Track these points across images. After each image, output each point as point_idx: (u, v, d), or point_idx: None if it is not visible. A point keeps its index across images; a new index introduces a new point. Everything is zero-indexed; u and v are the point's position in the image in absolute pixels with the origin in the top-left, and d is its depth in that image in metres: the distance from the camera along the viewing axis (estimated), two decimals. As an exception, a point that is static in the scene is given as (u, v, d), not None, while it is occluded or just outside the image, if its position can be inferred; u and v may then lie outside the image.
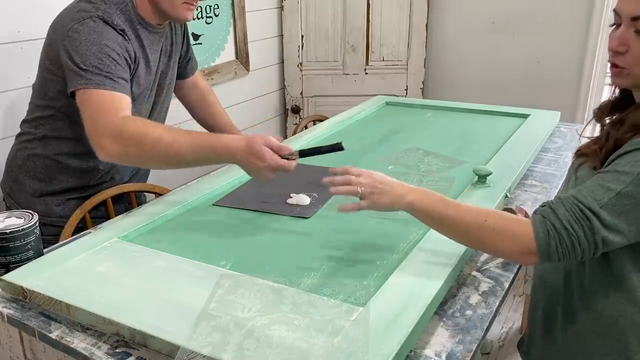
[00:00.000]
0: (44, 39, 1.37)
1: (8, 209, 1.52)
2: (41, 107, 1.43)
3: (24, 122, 1.49)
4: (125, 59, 1.31)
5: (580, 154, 1.05)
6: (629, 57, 0.91)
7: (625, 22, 0.91)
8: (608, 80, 2.50)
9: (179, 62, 1.65)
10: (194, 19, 2.33)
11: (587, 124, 1.13)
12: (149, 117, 1.52)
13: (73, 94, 1.28)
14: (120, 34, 1.30)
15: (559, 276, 1.07)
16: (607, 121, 1.05)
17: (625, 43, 0.91)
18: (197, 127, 1.85)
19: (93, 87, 1.25)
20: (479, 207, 0.99)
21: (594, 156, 0.99)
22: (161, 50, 1.49)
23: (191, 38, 1.72)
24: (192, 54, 1.72)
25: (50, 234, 1.41)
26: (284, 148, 1.21)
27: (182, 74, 1.72)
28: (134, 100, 1.37)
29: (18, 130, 1.51)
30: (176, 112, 1.84)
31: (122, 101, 1.28)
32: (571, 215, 0.88)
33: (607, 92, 1.10)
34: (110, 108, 1.25)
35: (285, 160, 1.20)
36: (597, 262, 0.98)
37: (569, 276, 1.05)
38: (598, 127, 1.08)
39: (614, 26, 0.95)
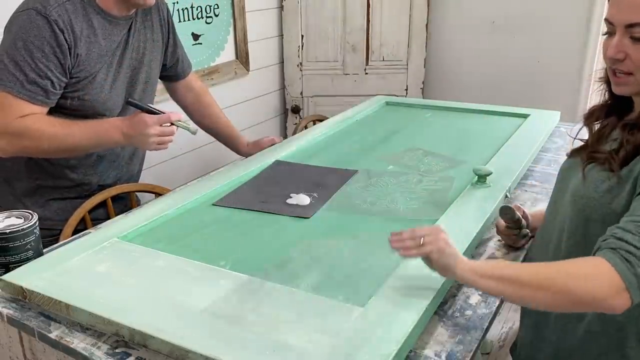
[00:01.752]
0: None
1: None
2: None
3: None
4: (55, 55, 1.30)
5: (590, 156, 1.00)
6: (629, 63, 0.91)
7: (619, 30, 0.91)
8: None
9: (165, 64, 1.64)
10: (194, 19, 2.35)
11: (581, 128, 1.11)
12: (121, 110, 1.49)
13: None
14: (51, 26, 1.29)
15: None
16: (597, 125, 1.06)
17: (622, 50, 0.91)
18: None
19: (1, 88, 1.28)
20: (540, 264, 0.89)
21: (609, 160, 0.95)
22: (127, 44, 1.47)
23: (179, 39, 1.69)
24: (181, 56, 1.70)
25: None
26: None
27: (173, 76, 1.71)
28: (85, 85, 1.38)
29: None
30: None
31: (24, 108, 1.30)
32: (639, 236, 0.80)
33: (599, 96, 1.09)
34: (7, 112, 1.29)
35: (167, 127, 1.37)
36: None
37: None
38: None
39: (607, 35, 0.95)
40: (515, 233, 1.18)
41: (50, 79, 1.31)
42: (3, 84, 1.28)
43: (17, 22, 1.30)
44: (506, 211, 1.15)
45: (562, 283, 0.81)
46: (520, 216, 1.17)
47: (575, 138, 1.13)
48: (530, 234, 1.20)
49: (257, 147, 1.78)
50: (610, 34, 0.94)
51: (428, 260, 0.93)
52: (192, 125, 1.43)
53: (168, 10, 1.61)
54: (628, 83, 0.93)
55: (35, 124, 1.31)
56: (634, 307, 0.85)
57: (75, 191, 1.51)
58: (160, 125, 1.35)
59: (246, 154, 1.78)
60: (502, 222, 1.19)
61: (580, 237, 0.99)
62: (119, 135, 1.35)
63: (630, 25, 0.89)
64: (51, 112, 1.35)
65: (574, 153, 1.08)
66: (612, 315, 0.89)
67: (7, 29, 1.32)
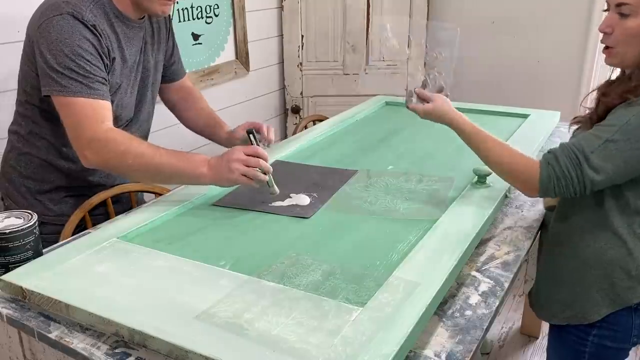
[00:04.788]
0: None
1: (7, 209, 1.52)
2: (22, 102, 1.43)
3: (13, 121, 1.49)
4: (100, 56, 1.30)
5: (575, 121, 1.27)
6: (613, 37, 1.12)
7: (611, 7, 1.12)
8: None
9: (164, 64, 1.62)
10: (194, 19, 2.34)
11: (587, 95, 1.33)
12: (134, 113, 1.50)
13: (48, 96, 1.29)
14: (91, 30, 1.28)
15: (561, 223, 1.26)
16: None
17: (610, 25, 1.12)
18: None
19: (70, 94, 1.25)
20: (501, 142, 1.25)
21: (588, 122, 1.19)
22: (142, 46, 1.47)
23: (177, 40, 1.67)
24: (178, 59, 1.67)
25: (49, 233, 1.41)
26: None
27: (167, 78, 1.66)
28: (113, 94, 1.37)
29: None
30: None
31: (103, 111, 1.29)
32: (569, 161, 1.10)
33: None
34: (92, 120, 1.27)
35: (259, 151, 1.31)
36: (589, 207, 1.19)
37: (567, 222, 1.24)
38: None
39: (606, 12, 1.15)
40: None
41: (105, 78, 1.31)
42: (70, 90, 1.25)
43: (53, 28, 1.25)
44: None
45: (502, 168, 1.22)
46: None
47: (581, 105, 1.37)
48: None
49: (236, 134, 1.63)
50: (607, 11, 1.14)
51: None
52: (276, 187, 1.35)
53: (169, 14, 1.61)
54: (612, 55, 1.14)
55: (123, 137, 1.28)
56: (618, 247, 1.17)
57: (89, 189, 1.51)
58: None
59: (227, 144, 1.66)
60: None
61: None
62: (204, 167, 1.29)
63: (619, 5, 1.10)
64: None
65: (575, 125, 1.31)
66: (603, 252, 1.18)
67: (41, 35, 1.26)
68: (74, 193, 1.50)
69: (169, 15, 1.60)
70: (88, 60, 1.27)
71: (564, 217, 1.25)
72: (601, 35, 1.16)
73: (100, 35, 1.30)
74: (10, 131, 1.49)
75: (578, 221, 1.22)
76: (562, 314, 1.26)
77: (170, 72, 1.67)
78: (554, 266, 1.28)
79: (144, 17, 1.45)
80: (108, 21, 1.34)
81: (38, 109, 1.40)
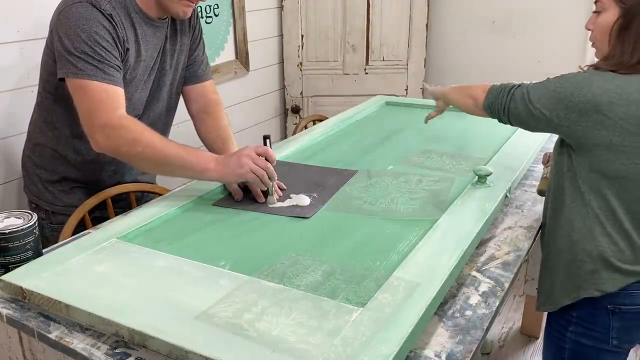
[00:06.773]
0: (45, 37, 1.38)
1: (28, 201, 1.56)
2: (40, 92, 1.45)
3: (32, 113, 1.52)
4: (116, 44, 1.31)
5: None
6: (592, 34, 1.21)
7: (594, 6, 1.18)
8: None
9: (187, 65, 1.60)
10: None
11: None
12: (143, 109, 1.50)
13: (63, 79, 1.30)
14: (108, 19, 1.29)
15: (546, 212, 1.30)
16: None
17: (592, 22, 1.19)
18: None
19: (85, 77, 1.27)
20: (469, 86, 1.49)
21: None
22: (161, 47, 1.47)
23: (204, 44, 1.65)
24: (199, 61, 1.63)
25: (59, 223, 1.45)
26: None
27: (185, 77, 1.62)
28: (124, 86, 1.37)
29: (17, 129, 1.52)
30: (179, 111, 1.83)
31: (117, 97, 1.30)
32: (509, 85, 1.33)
33: None
34: (106, 105, 1.28)
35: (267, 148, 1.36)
36: (566, 194, 1.21)
37: (550, 210, 1.27)
38: None
39: None
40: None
41: (120, 66, 1.32)
42: (86, 74, 1.27)
43: (72, 15, 1.27)
44: None
45: (464, 100, 1.47)
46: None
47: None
48: None
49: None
50: None
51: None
52: (275, 197, 1.36)
53: (198, 15, 1.61)
54: (596, 49, 1.23)
55: (135, 125, 1.29)
56: (584, 229, 1.18)
57: (99, 185, 1.53)
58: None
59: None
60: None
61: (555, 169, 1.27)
62: (212, 163, 1.31)
63: (595, 2, 1.17)
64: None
65: None
66: (570, 235, 1.20)
67: (60, 21, 1.29)
68: (83, 185, 1.52)
69: (198, 18, 1.60)
70: (104, 47, 1.28)
71: (547, 205, 1.29)
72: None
73: (117, 25, 1.31)
74: (29, 122, 1.53)
75: (557, 208, 1.24)
76: (545, 301, 1.29)
77: (188, 73, 1.61)
78: (542, 256, 1.32)
79: (166, 17, 1.45)
80: (127, 15, 1.35)
81: (53, 96, 1.41)
